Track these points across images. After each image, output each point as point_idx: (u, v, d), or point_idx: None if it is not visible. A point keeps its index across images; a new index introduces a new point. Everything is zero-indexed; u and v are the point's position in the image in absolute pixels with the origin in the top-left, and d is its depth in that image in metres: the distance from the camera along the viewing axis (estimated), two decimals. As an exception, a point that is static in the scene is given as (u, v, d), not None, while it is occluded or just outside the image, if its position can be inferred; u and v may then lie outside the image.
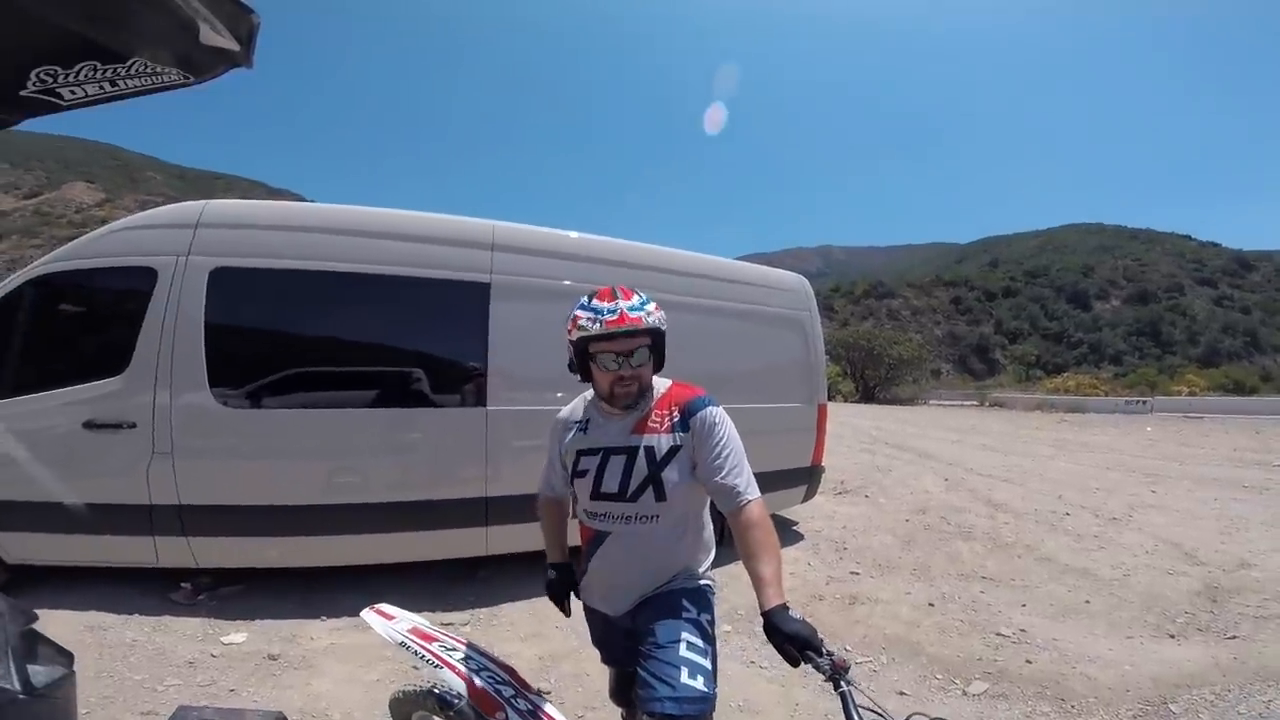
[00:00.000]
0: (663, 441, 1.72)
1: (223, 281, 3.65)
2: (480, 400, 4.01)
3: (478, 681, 1.73)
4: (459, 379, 4.08)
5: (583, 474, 1.78)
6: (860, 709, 1.26)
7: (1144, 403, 27.44)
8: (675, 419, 1.74)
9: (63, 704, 1.55)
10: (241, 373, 3.72)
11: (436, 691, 1.81)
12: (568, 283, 4.16)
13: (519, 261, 4.18)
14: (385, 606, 2.09)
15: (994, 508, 7.12)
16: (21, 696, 1.40)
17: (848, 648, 3.68)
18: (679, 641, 1.64)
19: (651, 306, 1.70)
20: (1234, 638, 3.73)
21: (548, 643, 3.57)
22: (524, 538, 4.03)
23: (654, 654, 1.63)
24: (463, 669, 1.76)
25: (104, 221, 4.11)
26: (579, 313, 1.69)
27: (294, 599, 3.87)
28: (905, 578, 4.82)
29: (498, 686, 1.73)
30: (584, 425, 1.84)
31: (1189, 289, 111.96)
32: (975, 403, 35.16)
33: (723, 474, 1.67)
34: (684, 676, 1.56)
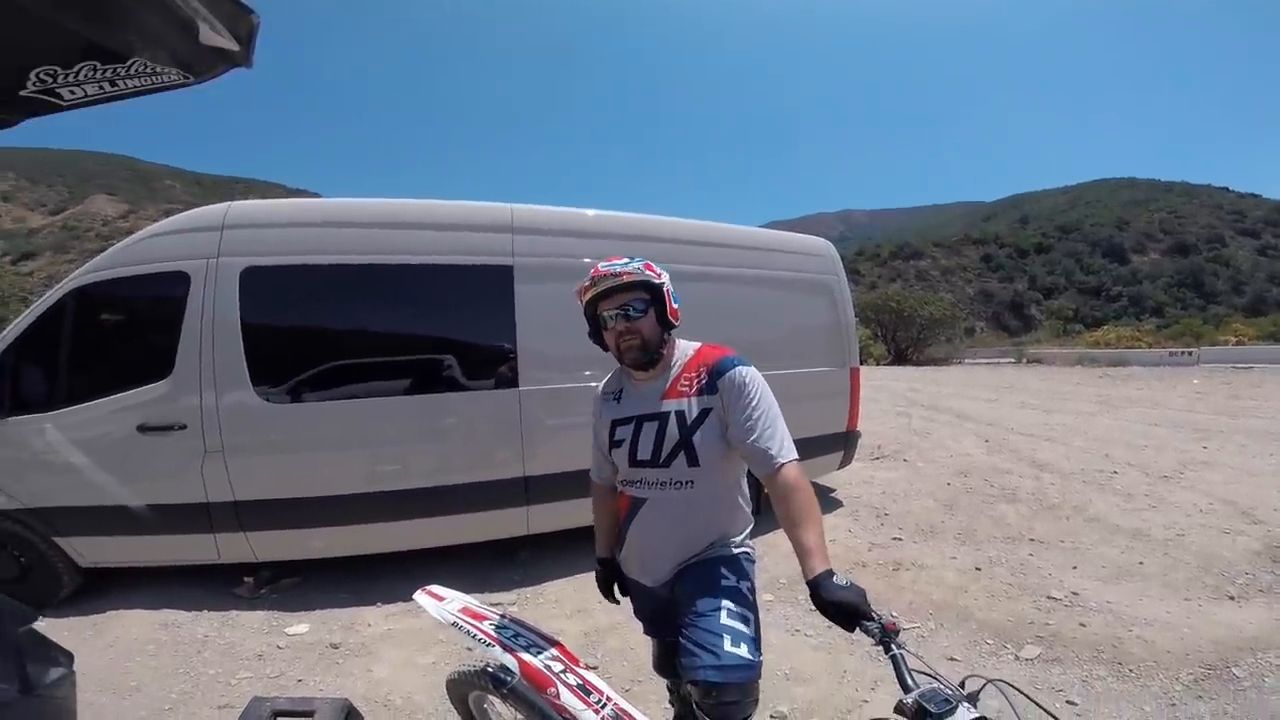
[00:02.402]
0: (692, 405, 1.72)
1: (254, 281, 3.71)
2: (513, 381, 4.04)
3: (528, 658, 1.75)
4: (490, 362, 4.11)
5: (619, 443, 1.80)
6: (913, 672, 1.23)
7: (1190, 354, 26.54)
8: (704, 381, 1.73)
9: (63, 704, 1.57)
10: (281, 369, 3.78)
11: (490, 670, 1.82)
12: (588, 260, 4.11)
13: (539, 242, 4.20)
14: (436, 588, 2.11)
15: (1038, 468, 6.98)
16: (21, 696, 1.42)
17: (894, 614, 3.66)
18: (720, 610, 1.62)
19: (641, 264, 1.73)
20: None
21: (592, 618, 3.60)
22: (564, 515, 4.08)
23: (696, 623, 1.62)
24: (514, 646, 1.79)
25: (130, 232, 4.18)
26: (584, 283, 1.76)
27: (349, 588, 3.98)
28: (949, 542, 4.76)
29: (548, 662, 1.75)
30: (617, 395, 1.87)
31: (1230, 240, 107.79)
32: (1012, 360, 34.43)
33: (754, 436, 1.63)
34: (727, 644, 1.55)
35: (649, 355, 1.76)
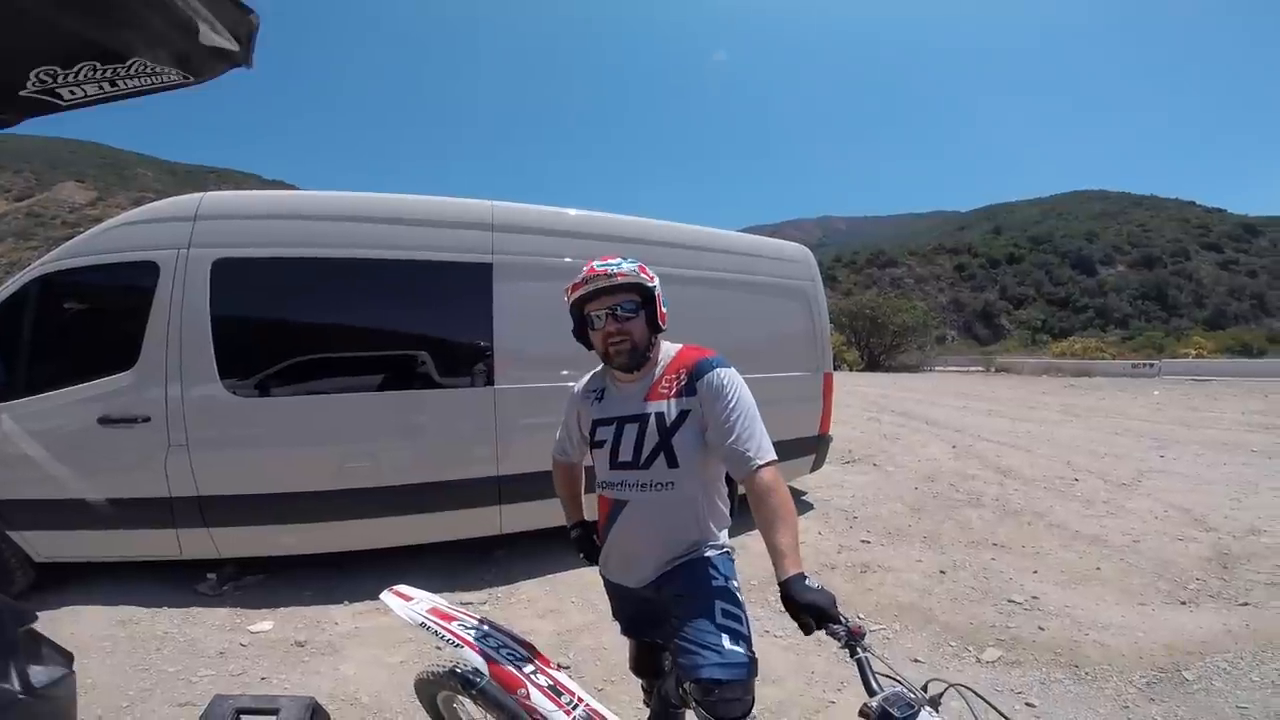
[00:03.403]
0: (672, 407, 1.72)
1: (225, 273, 3.66)
2: (489, 380, 4.03)
3: (498, 659, 1.75)
4: (466, 359, 4.09)
5: (600, 444, 1.81)
6: (878, 676, 1.25)
7: (1151, 365, 27.31)
8: (683, 383, 1.74)
9: (63, 704, 1.56)
10: (250, 363, 3.73)
11: (459, 671, 1.81)
12: (569, 260, 4.13)
13: (520, 241, 4.19)
14: (404, 588, 2.11)
15: (1003, 474, 7.14)
16: (21, 696, 1.41)
17: (861, 616, 3.73)
18: (715, 609, 1.64)
19: (637, 265, 1.73)
20: (1246, 604, 3.74)
21: (565, 618, 3.61)
22: (537, 515, 4.05)
23: (691, 624, 1.63)
24: (483, 647, 1.78)
25: (98, 220, 4.10)
26: (575, 281, 1.75)
27: (315, 585, 3.93)
28: (916, 546, 4.86)
29: (518, 663, 1.75)
30: (599, 395, 1.88)
31: (1194, 254, 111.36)
32: (981, 368, 35.07)
33: (732, 437, 1.64)
34: (728, 643, 1.58)
35: (637, 358, 1.76)
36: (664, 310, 1.80)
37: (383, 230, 3.93)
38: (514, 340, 4.06)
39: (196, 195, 3.83)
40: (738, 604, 1.70)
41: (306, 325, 3.99)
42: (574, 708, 1.66)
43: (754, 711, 1.58)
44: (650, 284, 1.74)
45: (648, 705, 2.02)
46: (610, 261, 1.72)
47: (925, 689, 1.22)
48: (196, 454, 3.57)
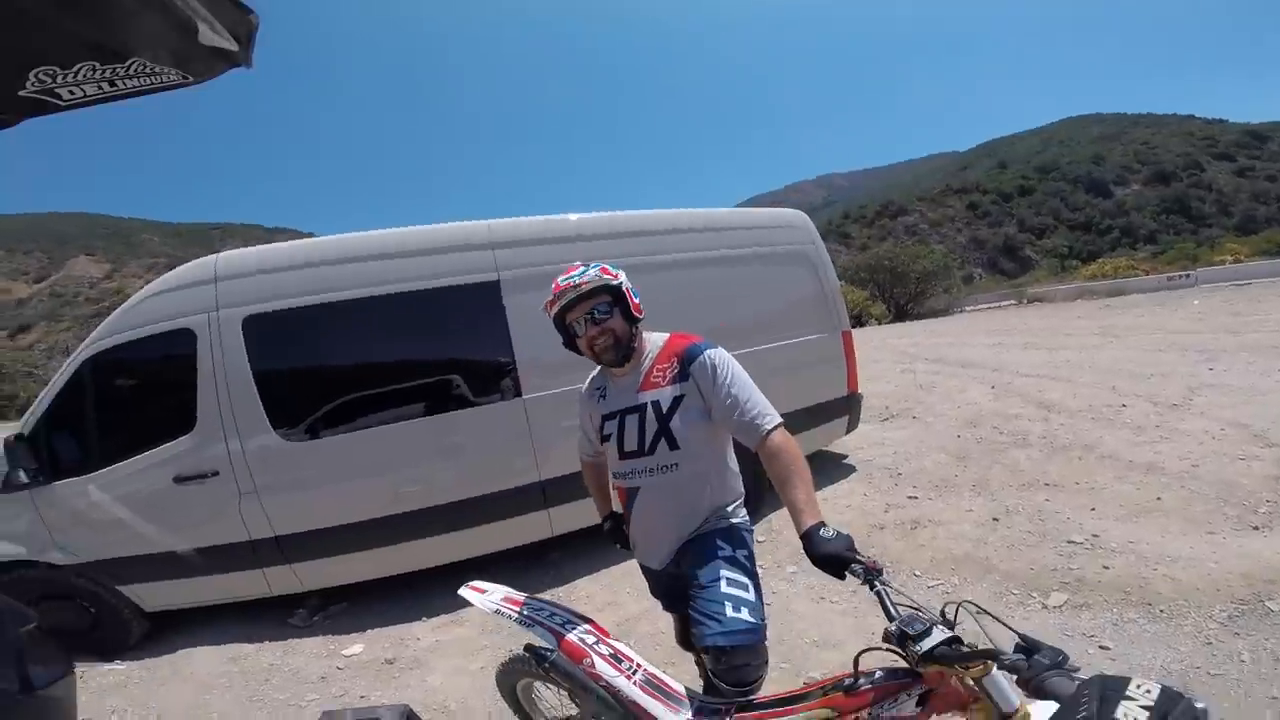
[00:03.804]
0: (666, 394, 1.86)
1: (256, 328, 3.83)
2: (517, 392, 4.13)
3: (564, 633, 1.88)
4: (493, 376, 4.19)
5: (608, 438, 1.96)
6: (897, 605, 1.36)
7: (1187, 276, 26.49)
8: (675, 370, 1.87)
9: (63, 704, 1.61)
10: (297, 410, 3.91)
11: (531, 648, 1.97)
12: (577, 263, 4.15)
13: (522, 254, 4.27)
14: (478, 583, 2.29)
15: (1046, 409, 6.94)
16: (21, 696, 1.45)
17: (916, 573, 3.68)
18: (719, 580, 1.76)
19: (597, 269, 1.86)
20: None
21: (622, 609, 3.70)
22: (584, 514, 4.17)
23: (699, 594, 1.77)
24: (551, 624, 1.93)
25: (118, 292, 4.24)
26: (548, 299, 1.90)
27: (394, 606, 4.13)
28: (965, 495, 4.75)
29: (581, 636, 1.87)
30: (603, 393, 2.03)
31: (1208, 165, 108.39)
32: (1013, 301, 34.36)
33: (737, 411, 1.76)
34: (729, 611, 1.70)
35: (623, 351, 1.90)
36: (636, 301, 1.91)
37: (391, 265, 4.05)
38: (533, 350, 4.13)
39: (212, 257, 3.99)
40: (747, 573, 1.82)
41: (340, 366, 4.16)
42: (634, 673, 1.75)
43: (815, 675, 1.65)
44: (615, 282, 1.86)
45: (702, 677, 2.12)
46: (573, 273, 1.86)
47: (942, 612, 1.33)
48: (266, 498, 3.79)
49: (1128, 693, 0.98)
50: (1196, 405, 6.27)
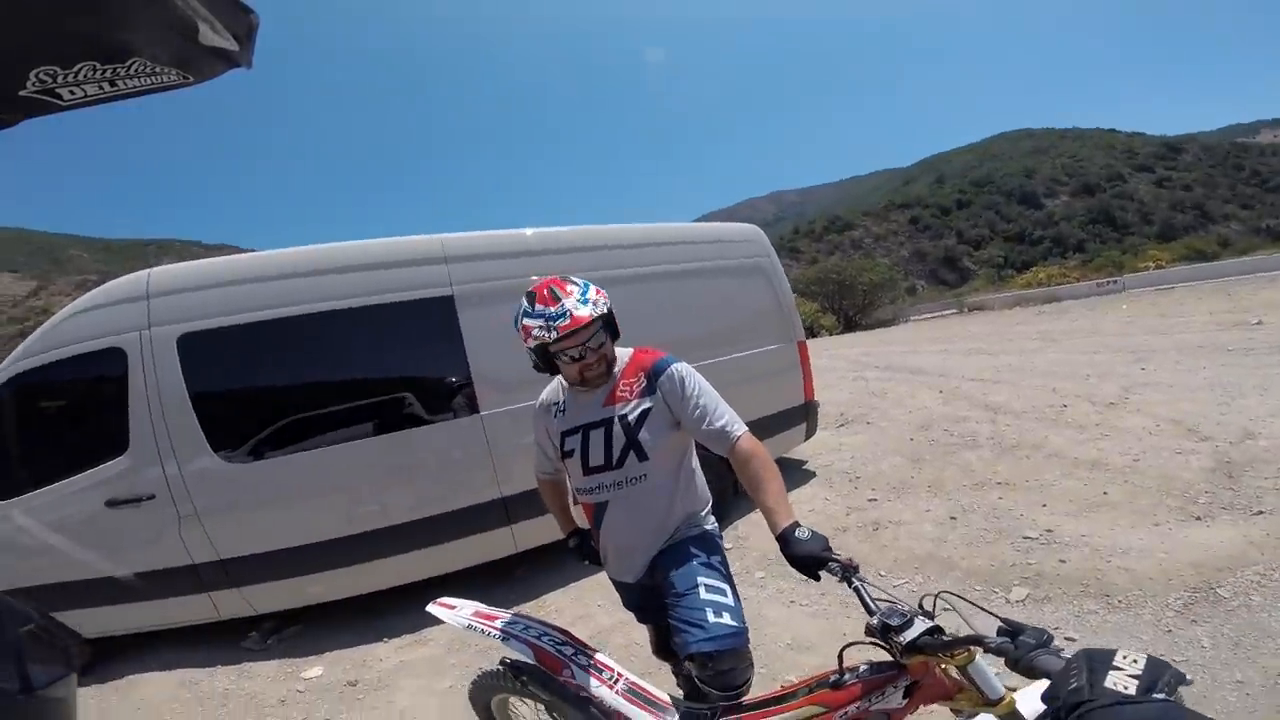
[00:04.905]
0: (633, 407, 1.84)
1: (192, 347, 3.63)
2: (473, 408, 4.01)
3: (541, 645, 1.85)
4: (447, 393, 4.07)
5: (570, 453, 1.91)
6: (875, 600, 1.38)
7: (1115, 282, 27.95)
8: (642, 384, 1.86)
9: (63, 704, 1.60)
10: (239, 431, 3.73)
11: (508, 662, 1.94)
12: (536, 278, 4.09)
13: (477, 268, 4.17)
14: (447, 599, 2.21)
15: (993, 411, 7.14)
16: (21, 696, 1.44)
17: (882, 573, 3.71)
18: (697, 587, 1.76)
19: (593, 293, 1.79)
20: (1261, 513, 3.66)
21: (594, 621, 3.62)
22: (548, 529, 4.08)
23: (679, 603, 1.76)
24: (526, 637, 1.89)
25: (44, 310, 3.99)
26: (528, 322, 1.76)
27: (353, 628, 3.99)
28: (922, 496, 4.83)
29: (558, 647, 1.84)
30: (562, 407, 1.97)
31: (1129, 176, 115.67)
32: (955, 310, 35.58)
33: (706, 421, 1.78)
34: (711, 616, 1.70)
35: (610, 370, 1.88)
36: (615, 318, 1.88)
37: (339, 280, 3.89)
38: (489, 366, 4.04)
39: (143, 273, 3.77)
40: (723, 578, 1.82)
41: (285, 386, 3.99)
42: (615, 682, 1.73)
43: (791, 679, 1.63)
44: (608, 310, 1.81)
45: (681, 686, 2.10)
46: (566, 300, 1.73)
47: (920, 604, 1.37)
48: (208, 521, 3.61)
49: (1115, 663, 1.00)
50: (1133, 403, 6.54)
